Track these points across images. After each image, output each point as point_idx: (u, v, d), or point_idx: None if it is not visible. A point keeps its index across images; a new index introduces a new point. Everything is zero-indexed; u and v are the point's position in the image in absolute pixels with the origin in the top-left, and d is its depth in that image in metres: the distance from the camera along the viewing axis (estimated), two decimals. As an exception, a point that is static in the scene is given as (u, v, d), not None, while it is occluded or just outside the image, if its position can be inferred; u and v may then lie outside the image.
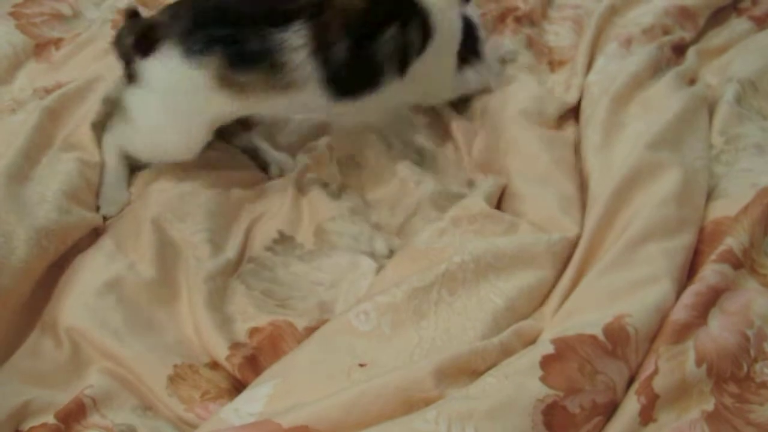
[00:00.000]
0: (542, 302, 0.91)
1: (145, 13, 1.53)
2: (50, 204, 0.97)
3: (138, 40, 0.99)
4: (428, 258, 0.92)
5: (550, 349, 0.74)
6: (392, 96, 1.09)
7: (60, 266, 0.96)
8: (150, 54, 0.97)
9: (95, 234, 1.02)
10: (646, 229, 0.90)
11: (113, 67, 1.34)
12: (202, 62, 0.95)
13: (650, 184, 0.97)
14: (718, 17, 1.45)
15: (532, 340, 0.83)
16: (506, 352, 0.79)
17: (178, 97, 0.99)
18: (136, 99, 1.02)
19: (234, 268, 0.98)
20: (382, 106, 1.13)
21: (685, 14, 1.41)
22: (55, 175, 1.03)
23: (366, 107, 1.08)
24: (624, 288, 0.84)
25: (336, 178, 1.12)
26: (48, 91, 1.30)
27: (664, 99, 1.14)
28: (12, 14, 1.51)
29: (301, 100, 1.02)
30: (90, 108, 1.17)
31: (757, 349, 0.77)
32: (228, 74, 0.96)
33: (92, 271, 0.95)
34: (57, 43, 1.47)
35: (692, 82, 1.28)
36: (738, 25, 1.41)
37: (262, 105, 1.03)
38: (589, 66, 1.33)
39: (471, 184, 1.12)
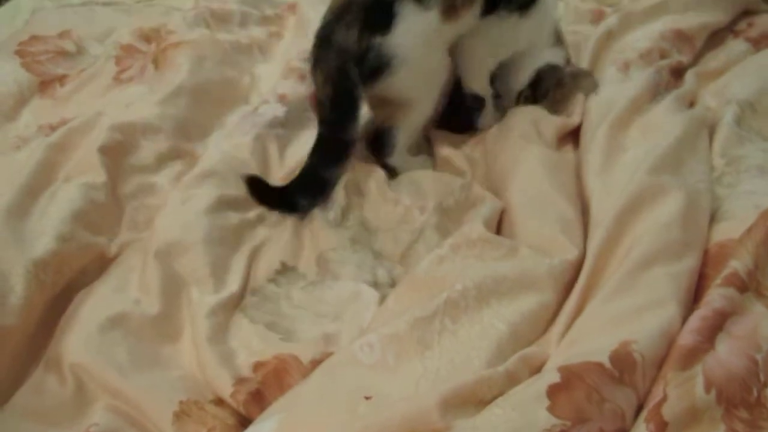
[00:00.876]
0: (546, 328, 0.90)
1: (146, 47, 1.56)
2: (49, 235, 0.97)
3: (375, 19, 1.07)
4: (429, 287, 0.92)
5: (556, 378, 0.74)
6: (488, 35, 1.20)
7: (64, 301, 0.96)
8: (390, 29, 1.07)
9: (100, 268, 1.02)
10: (649, 253, 0.90)
11: (116, 102, 1.36)
12: (431, 5, 1.08)
13: (653, 208, 0.96)
14: (714, 39, 1.46)
15: (539, 368, 0.82)
16: (512, 380, 0.79)
17: (429, 43, 1.11)
18: (406, 73, 1.11)
19: (237, 300, 0.97)
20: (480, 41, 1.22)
21: (681, 37, 1.42)
22: (58, 205, 1.04)
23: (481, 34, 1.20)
24: (629, 313, 0.83)
25: (340, 201, 1.13)
26: (53, 128, 1.31)
27: (664, 122, 1.14)
28: (17, 53, 1.53)
29: (468, 20, 1.15)
30: (96, 138, 1.18)
31: (767, 373, 0.76)
32: (446, 3, 1.09)
33: (97, 306, 0.95)
34: (61, 79, 1.49)
35: (692, 104, 1.28)
36: (735, 46, 1.41)
37: (462, 25, 1.15)
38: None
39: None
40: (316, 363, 0.87)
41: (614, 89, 1.27)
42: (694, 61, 1.40)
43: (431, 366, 0.82)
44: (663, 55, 1.37)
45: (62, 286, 0.97)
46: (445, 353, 0.83)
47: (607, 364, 0.74)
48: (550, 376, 0.74)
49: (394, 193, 1.15)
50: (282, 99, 1.34)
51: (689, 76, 1.33)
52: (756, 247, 0.86)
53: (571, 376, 0.73)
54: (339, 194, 1.14)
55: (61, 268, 0.96)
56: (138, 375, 0.86)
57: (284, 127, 1.30)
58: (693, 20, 1.45)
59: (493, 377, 0.78)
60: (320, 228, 1.08)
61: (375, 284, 1.00)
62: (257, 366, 0.87)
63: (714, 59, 1.41)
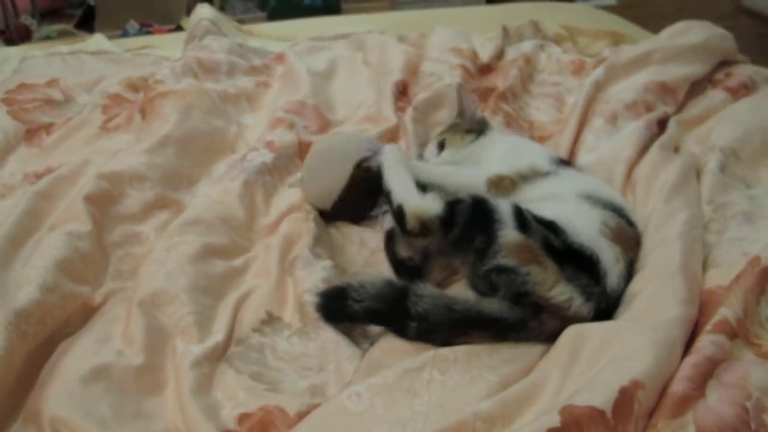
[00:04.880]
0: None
1: (133, 97, 1.57)
2: (32, 285, 0.96)
3: None
4: (416, 348, 0.91)
5: (556, 421, 0.73)
6: None
7: (46, 351, 0.94)
8: None
9: (84, 318, 1.01)
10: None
11: (103, 151, 1.36)
12: None
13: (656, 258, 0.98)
14: (695, 89, 1.50)
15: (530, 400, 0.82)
16: (508, 408, 0.79)
17: None
18: None
19: (222, 351, 0.96)
20: None
21: (664, 89, 1.46)
22: (42, 254, 1.03)
23: None
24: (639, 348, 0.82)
25: (312, 230, 1.15)
26: (38, 176, 1.31)
27: (657, 176, 1.17)
28: (4, 100, 1.53)
29: None
30: (82, 187, 1.18)
31: (757, 421, 0.75)
32: None
33: (79, 357, 0.93)
34: (48, 128, 1.49)
35: (676, 150, 1.30)
36: (714, 96, 1.45)
37: None
38: (575, 139, 1.36)
39: None
40: (302, 415, 0.85)
41: (607, 143, 1.30)
42: (677, 111, 1.43)
43: (420, 411, 0.81)
44: (648, 107, 1.40)
45: (44, 337, 0.94)
46: (435, 400, 0.83)
47: (608, 414, 0.73)
48: (550, 418, 0.73)
49: (361, 231, 1.17)
50: (270, 146, 1.34)
51: (672, 124, 1.36)
52: (745, 295, 0.87)
53: (570, 424, 0.72)
54: (311, 224, 1.16)
55: (44, 319, 0.94)
56: (120, 429, 0.83)
57: (271, 174, 1.31)
58: (674, 72, 1.49)
59: (483, 409, 0.78)
60: (298, 271, 1.08)
61: (349, 331, 0.99)
62: (242, 418, 0.85)
63: (695, 107, 1.45)
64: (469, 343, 0.90)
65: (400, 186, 1.04)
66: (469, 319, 0.91)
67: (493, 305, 0.91)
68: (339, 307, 0.97)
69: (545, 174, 1.13)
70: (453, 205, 0.98)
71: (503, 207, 0.97)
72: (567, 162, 1.22)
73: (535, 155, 1.19)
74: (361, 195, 1.19)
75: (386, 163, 1.08)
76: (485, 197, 1.00)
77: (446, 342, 0.91)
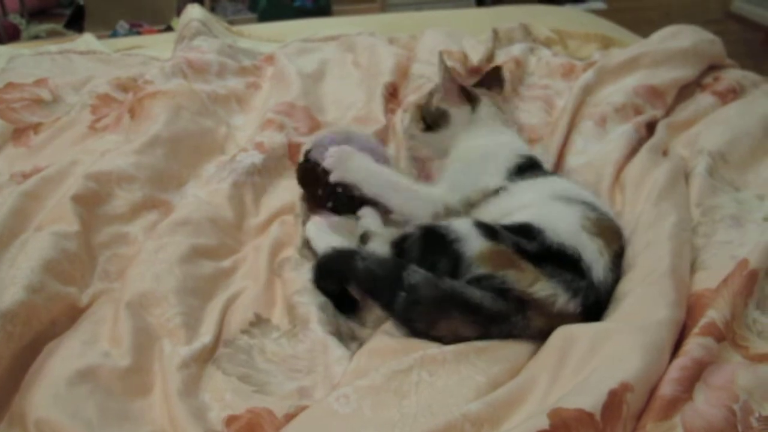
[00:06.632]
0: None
1: (122, 97, 1.56)
2: (18, 286, 0.95)
3: None
4: (404, 348, 0.91)
5: (544, 423, 0.72)
6: None
7: (32, 353, 0.93)
8: None
9: (70, 319, 1.00)
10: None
11: (91, 151, 1.35)
12: None
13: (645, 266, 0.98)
14: (684, 93, 1.51)
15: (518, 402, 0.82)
16: (497, 409, 0.79)
17: None
18: None
19: (210, 352, 0.95)
20: None
21: (653, 93, 1.46)
22: (28, 254, 1.02)
23: None
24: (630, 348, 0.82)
25: (301, 232, 1.17)
26: (25, 176, 1.30)
27: (646, 178, 1.17)
28: (-8, 100, 1.51)
29: None
30: (70, 187, 1.17)
31: (745, 424, 0.75)
32: None
33: (65, 358, 0.92)
34: (36, 127, 1.48)
35: (664, 153, 1.31)
36: (703, 99, 1.46)
37: None
38: (564, 142, 1.36)
39: None
40: (290, 417, 0.84)
41: (596, 146, 1.30)
42: (665, 115, 1.44)
43: (409, 412, 0.81)
44: (637, 110, 1.41)
45: (30, 338, 0.93)
46: (423, 401, 0.83)
47: (597, 416, 0.73)
48: (539, 420, 0.73)
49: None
50: (259, 147, 1.34)
51: (660, 127, 1.37)
52: (732, 298, 0.87)
53: (559, 426, 0.72)
54: (299, 226, 1.17)
55: (30, 320, 0.93)
56: (106, 431, 0.83)
57: (261, 175, 1.30)
58: (664, 75, 1.49)
59: (473, 410, 0.78)
60: (287, 272, 1.08)
61: (338, 333, 0.99)
62: (230, 420, 0.85)
63: (684, 110, 1.46)
64: (452, 329, 0.92)
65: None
66: (452, 297, 0.92)
67: (477, 292, 0.92)
68: (344, 261, 1.00)
69: (495, 193, 1.12)
70: (401, 244, 1.01)
71: (459, 225, 0.98)
72: (534, 166, 1.19)
73: (486, 172, 1.16)
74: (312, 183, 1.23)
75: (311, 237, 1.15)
76: (433, 224, 1.02)
77: (429, 323, 0.93)
